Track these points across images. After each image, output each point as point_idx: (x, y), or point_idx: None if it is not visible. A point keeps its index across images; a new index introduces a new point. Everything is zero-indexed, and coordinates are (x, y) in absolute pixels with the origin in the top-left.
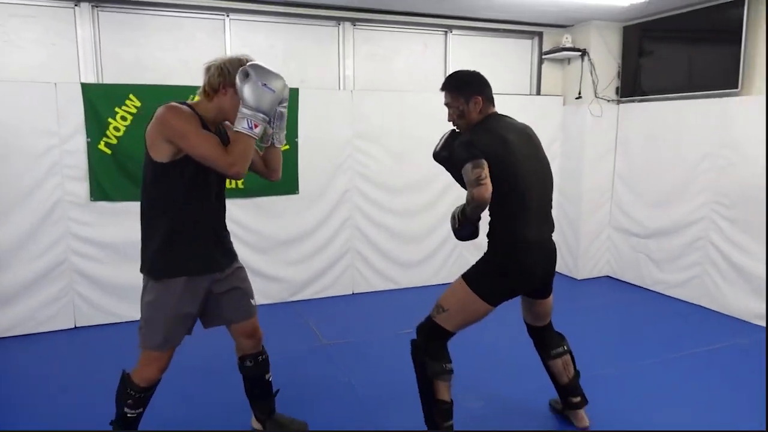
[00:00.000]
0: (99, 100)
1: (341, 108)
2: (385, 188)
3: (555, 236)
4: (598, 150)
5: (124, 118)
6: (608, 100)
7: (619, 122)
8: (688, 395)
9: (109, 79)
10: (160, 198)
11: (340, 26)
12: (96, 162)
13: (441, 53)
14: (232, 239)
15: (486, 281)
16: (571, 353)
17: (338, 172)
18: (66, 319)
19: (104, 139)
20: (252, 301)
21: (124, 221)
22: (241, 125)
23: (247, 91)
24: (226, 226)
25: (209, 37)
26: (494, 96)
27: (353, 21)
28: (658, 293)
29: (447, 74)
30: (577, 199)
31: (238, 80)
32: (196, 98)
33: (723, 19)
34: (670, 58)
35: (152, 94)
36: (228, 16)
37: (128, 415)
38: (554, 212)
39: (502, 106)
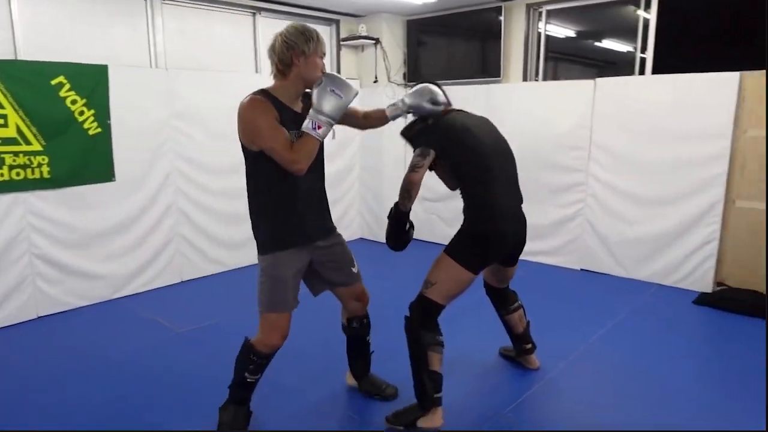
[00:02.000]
0: None
1: (156, 87)
2: (208, 170)
3: (361, 208)
4: (393, 128)
5: None
6: (398, 84)
7: None
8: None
9: None
10: (259, 181)
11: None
12: None
13: (250, 34)
14: (38, 236)
15: (467, 250)
16: (522, 307)
17: (158, 154)
18: None
19: None
20: (354, 269)
21: None
22: (307, 126)
23: (315, 94)
24: (324, 195)
25: None
26: None
27: None
28: None
29: (257, 55)
30: (378, 172)
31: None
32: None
33: (486, 22)
34: (445, 50)
35: None
36: None
37: (248, 380)
38: (358, 186)
39: None
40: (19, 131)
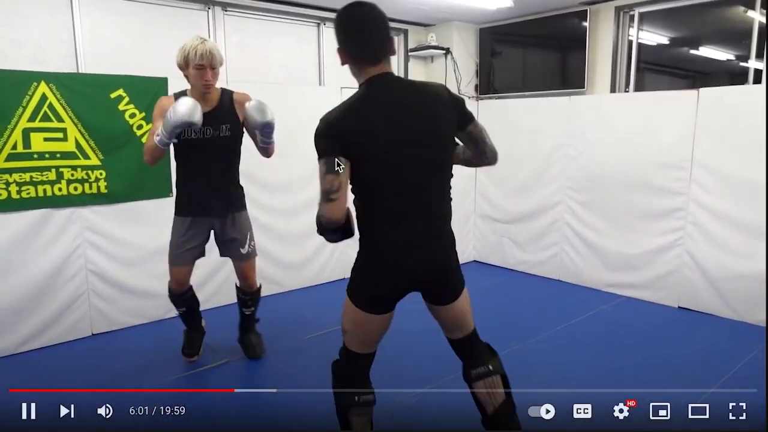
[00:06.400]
0: None
1: None
2: (267, 187)
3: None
4: None
5: None
6: (470, 97)
7: (479, 117)
8: (587, 357)
9: None
10: (177, 159)
11: (210, 11)
12: None
13: (315, 46)
14: (94, 252)
15: (357, 287)
16: (503, 375)
17: None
18: None
19: None
20: (242, 250)
21: None
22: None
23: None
24: (228, 182)
25: (51, 16)
26: None
27: (224, 6)
28: (522, 272)
29: (320, 66)
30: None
31: None
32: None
33: (569, 28)
34: (521, 60)
35: None
36: None
37: (179, 311)
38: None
39: None
40: (78, 145)
